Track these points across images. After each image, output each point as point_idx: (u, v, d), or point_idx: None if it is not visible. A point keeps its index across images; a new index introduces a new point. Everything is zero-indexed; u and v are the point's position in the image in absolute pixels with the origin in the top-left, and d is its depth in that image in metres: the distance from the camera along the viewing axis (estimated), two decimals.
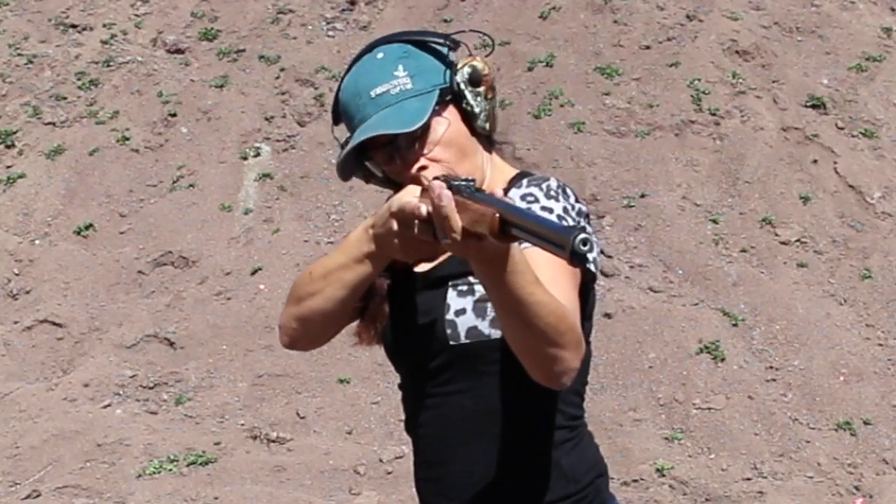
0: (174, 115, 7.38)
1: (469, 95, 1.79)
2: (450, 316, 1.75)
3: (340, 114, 1.85)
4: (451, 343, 1.75)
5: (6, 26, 8.17)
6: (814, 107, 6.98)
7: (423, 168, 1.76)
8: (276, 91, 7.47)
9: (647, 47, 7.36)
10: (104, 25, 8.06)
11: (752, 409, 5.35)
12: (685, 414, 5.32)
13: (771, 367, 5.60)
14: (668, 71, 7.18)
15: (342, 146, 1.85)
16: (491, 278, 1.50)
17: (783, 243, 6.29)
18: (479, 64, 1.80)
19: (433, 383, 1.81)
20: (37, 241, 6.76)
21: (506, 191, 1.81)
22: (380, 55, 1.80)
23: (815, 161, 6.70)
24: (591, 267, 1.75)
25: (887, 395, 5.50)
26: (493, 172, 1.87)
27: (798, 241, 6.31)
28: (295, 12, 7.98)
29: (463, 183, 1.49)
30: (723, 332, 5.72)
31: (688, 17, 7.51)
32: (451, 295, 1.76)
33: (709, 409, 5.34)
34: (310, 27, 7.88)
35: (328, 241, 6.46)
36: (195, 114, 7.37)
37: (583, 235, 1.29)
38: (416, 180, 1.75)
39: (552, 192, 1.75)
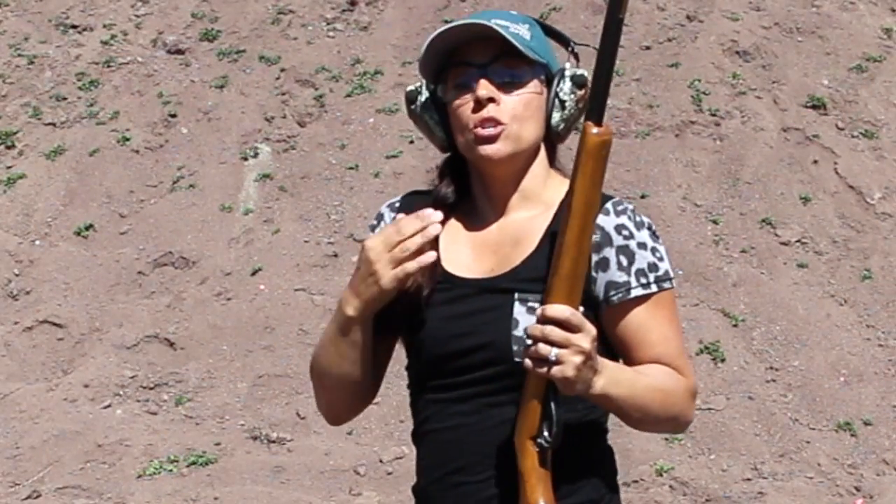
0: (174, 115, 7.38)
1: (567, 87, 1.78)
2: (518, 332, 1.70)
3: (437, 39, 1.75)
4: (517, 360, 1.69)
5: (6, 27, 8.18)
6: (814, 107, 6.99)
7: (492, 100, 1.74)
8: (277, 91, 7.47)
9: (648, 48, 7.36)
10: (104, 26, 8.06)
11: (753, 409, 5.35)
12: None
13: (771, 368, 5.60)
14: (668, 71, 7.18)
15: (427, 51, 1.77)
16: (600, 397, 1.62)
17: (783, 244, 6.29)
18: (588, 74, 1.79)
19: (475, 390, 1.76)
20: (37, 242, 6.76)
21: (563, 203, 1.80)
22: (512, 11, 1.85)
23: (816, 161, 6.70)
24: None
25: (887, 395, 5.50)
26: (550, 177, 1.87)
27: (798, 241, 6.31)
28: (295, 13, 7.98)
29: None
30: (723, 333, 5.72)
31: (688, 17, 7.52)
32: (520, 310, 1.72)
33: (709, 409, 5.34)
34: (310, 27, 7.88)
35: (328, 241, 6.46)
36: (195, 114, 7.37)
37: None
38: (472, 113, 1.73)
39: (636, 220, 1.78)
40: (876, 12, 7.66)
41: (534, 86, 1.78)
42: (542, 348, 1.54)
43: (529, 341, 1.57)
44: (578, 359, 1.54)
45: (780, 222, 6.38)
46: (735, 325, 5.79)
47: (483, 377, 1.74)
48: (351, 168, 6.89)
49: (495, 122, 1.75)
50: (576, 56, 1.83)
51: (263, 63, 7.64)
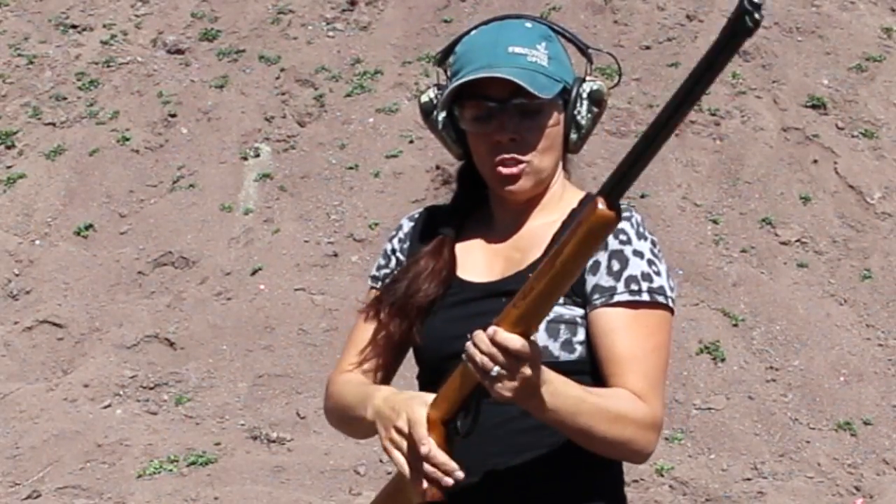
0: (174, 115, 7.38)
1: (584, 107, 1.78)
2: None
3: (458, 54, 1.80)
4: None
5: (6, 27, 8.18)
6: (814, 107, 6.99)
7: (513, 140, 1.74)
8: (277, 91, 7.47)
9: (648, 47, 7.36)
10: (104, 26, 8.06)
11: (753, 409, 5.35)
12: (685, 414, 5.32)
13: (771, 368, 5.60)
14: (668, 71, 7.18)
15: (438, 86, 1.82)
16: (537, 411, 1.57)
17: (783, 243, 6.29)
18: (605, 87, 1.79)
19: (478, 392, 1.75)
20: (37, 242, 6.76)
21: (575, 211, 1.80)
22: (528, 24, 1.80)
23: (816, 161, 6.70)
24: (671, 302, 1.76)
25: (887, 395, 5.50)
26: (566, 191, 1.85)
27: (798, 241, 6.31)
28: (295, 12, 7.98)
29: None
30: (723, 333, 5.72)
31: (688, 17, 7.52)
32: None
33: (709, 409, 5.34)
34: (310, 27, 7.88)
35: (328, 241, 6.46)
36: (195, 114, 7.38)
37: None
38: (492, 151, 1.74)
39: (640, 230, 1.75)
40: (876, 12, 7.66)
41: (553, 118, 1.77)
42: (486, 363, 1.50)
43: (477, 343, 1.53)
44: (518, 384, 1.50)
45: (780, 222, 6.38)
46: (735, 325, 5.79)
47: None
48: (351, 168, 6.89)
49: (516, 159, 1.75)
50: (589, 59, 1.83)
51: (263, 63, 7.64)
